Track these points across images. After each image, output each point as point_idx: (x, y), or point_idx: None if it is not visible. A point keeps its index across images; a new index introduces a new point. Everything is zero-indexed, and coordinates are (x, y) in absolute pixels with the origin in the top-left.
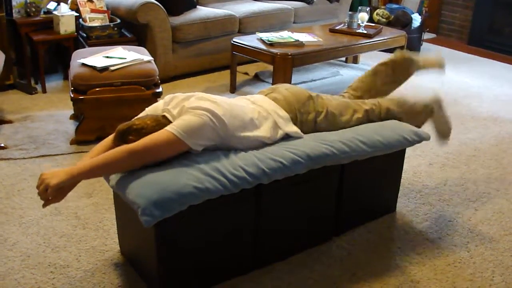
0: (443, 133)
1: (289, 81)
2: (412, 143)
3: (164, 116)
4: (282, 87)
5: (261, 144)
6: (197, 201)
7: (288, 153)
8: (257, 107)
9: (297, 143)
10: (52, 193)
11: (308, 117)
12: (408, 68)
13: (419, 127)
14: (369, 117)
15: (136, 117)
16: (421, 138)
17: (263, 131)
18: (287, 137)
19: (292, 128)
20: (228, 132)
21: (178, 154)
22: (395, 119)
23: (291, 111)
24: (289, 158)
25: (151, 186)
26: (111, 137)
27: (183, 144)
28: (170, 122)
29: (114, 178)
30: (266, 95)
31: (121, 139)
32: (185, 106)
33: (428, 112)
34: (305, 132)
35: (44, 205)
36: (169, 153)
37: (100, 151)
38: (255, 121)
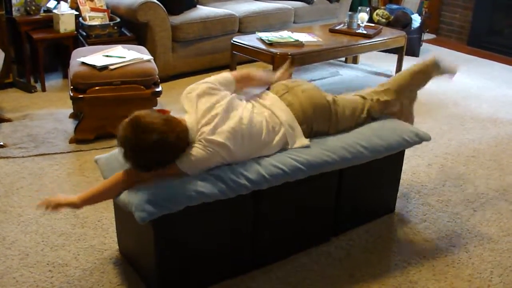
0: (450, 71)
1: None
2: (412, 144)
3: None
4: (298, 88)
5: None
6: (192, 203)
7: (290, 160)
8: (270, 120)
9: (300, 149)
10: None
11: (323, 128)
12: (430, 75)
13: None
14: (371, 115)
15: (167, 118)
16: (421, 139)
17: (269, 151)
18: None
19: (302, 143)
20: (235, 160)
21: None
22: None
23: (306, 122)
24: (290, 166)
25: (145, 188)
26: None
27: (187, 175)
28: (188, 143)
29: None
30: (280, 96)
31: (135, 130)
32: (205, 133)
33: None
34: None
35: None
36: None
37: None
38: (266, 141)
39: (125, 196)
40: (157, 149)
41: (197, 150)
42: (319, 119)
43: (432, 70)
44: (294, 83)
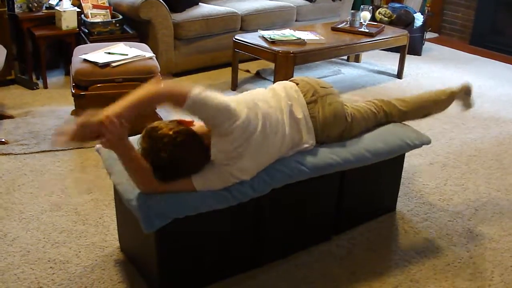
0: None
1: None
2: (413, 147)
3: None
4: (327, 99)
5: None
6: (195, 212)
7: (295, 163)
8: (289, 132)
9: (304, 152)
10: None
11: (333, 140)
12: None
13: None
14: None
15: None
16: (421, 143)
17: (278, 157)
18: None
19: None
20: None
21: None
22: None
23: (322, 137)
24: (295, 169)
25: (153, 195)
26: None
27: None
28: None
29: (117, 177)
30: (308, 103)
31: (150, 149)
32: (231, 165)
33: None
34: None
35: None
36: None
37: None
38: (277, 156)
39: (135, 202)
40: (172, 166)
41: (215, 176)
42: (333, 137)
43: (456, 96)
44: (323, 90)
